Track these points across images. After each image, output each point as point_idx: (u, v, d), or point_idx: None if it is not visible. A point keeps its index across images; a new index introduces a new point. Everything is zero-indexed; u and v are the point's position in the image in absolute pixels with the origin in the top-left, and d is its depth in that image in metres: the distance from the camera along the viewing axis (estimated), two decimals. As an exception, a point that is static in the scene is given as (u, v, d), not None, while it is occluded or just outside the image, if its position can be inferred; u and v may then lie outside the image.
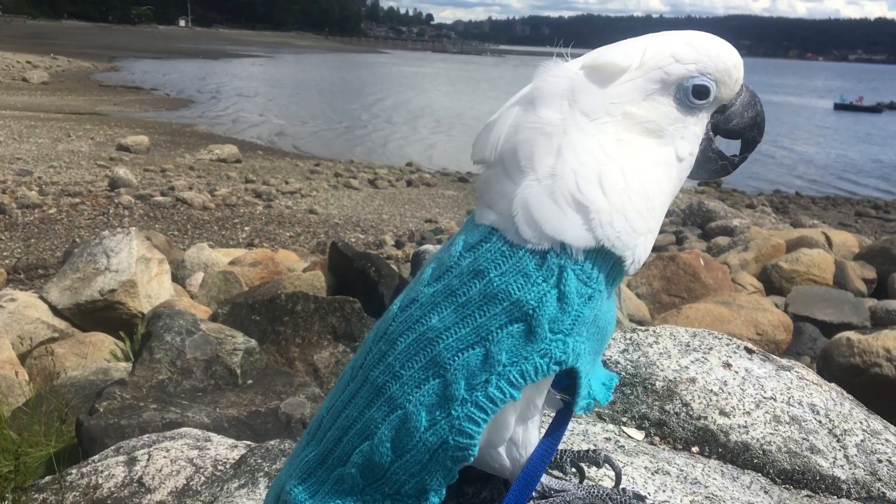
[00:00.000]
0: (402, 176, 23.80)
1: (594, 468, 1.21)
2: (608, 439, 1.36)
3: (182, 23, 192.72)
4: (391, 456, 0.98)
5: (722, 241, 15.85)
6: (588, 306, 0.99)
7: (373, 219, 18.18)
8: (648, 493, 1.17)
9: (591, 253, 1.00)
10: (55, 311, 7.69)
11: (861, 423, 1.48)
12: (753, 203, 23.15)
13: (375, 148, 31.30)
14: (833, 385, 1.62)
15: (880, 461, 1.40)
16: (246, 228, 16.13)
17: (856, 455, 1.40)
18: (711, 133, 1.09)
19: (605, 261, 1.01)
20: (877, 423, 1.50)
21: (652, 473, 1.24)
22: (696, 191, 23.36)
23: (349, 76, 77.26)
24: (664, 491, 1.19)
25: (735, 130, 1.10)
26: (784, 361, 1.63)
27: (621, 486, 1.13)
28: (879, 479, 1.37)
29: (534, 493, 1.09)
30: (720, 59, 1.04)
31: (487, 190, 1.06)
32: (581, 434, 1.36)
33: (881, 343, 7.39)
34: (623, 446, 1.34)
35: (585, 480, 1.20)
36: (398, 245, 15.76)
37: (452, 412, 0.95)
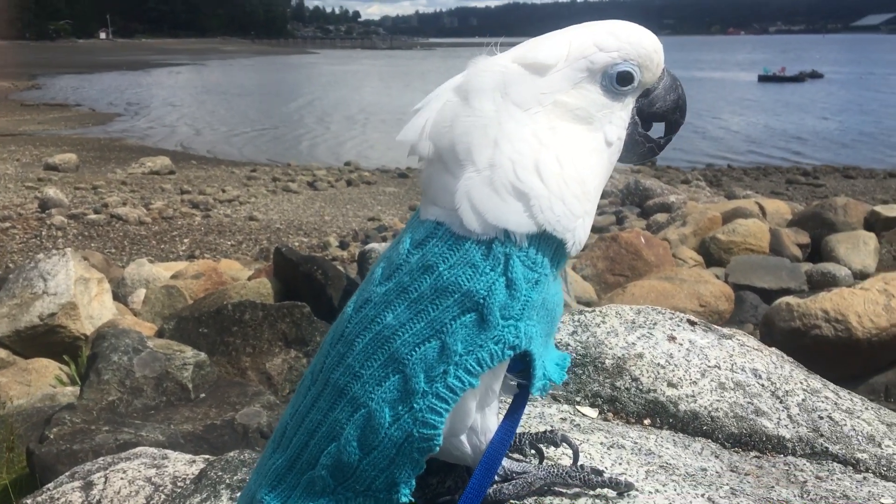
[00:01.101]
0: (341, 176, 23.68)
1: (552, 448, 1.25)
2: (564, 419, 1.40)
3: (103, 35, 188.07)
4: (359, 454, 1.00)
5: (660, 217, 16.17)
6: (536, 290, 1.02)
7: (315, 221, 18.06)
8: (605, 467, 1.21)
9: (535, 238, 1.03)
10: (-6, 339, 7.48)
11: (801, 383, 1.55)
12: (688, 178, 23.65)
13: (312, 150, 31.08)
14: (773, 349, 1.69)
15: (821, 418, 1.46)
16: (185, 240, 15.88)
17: (798, 414, 1.47)
18: (637, 117, 1.13)
19: (548, 245, 1.04)
20: (816, 381, 1.57)
21: (608, 448, 1.28)
22: (633, 170, 23.74)
23: (279, 79, 76.47)
24: (620, 464, 1.23)
25: (659, 113, 1.14)
26: (725, 330, 1.70)
27: (579, 463, 1.17)
28: (822, 435, 1.43)
29: (496, 477, 1.12)
30: (641, 45, 1.09)
31: (430, 186, 1.09)
32: (538, 416, 1.40)
33: (819, 305, 7.63)
34: (578, 425, 1.38)
35: (545, 461, 1.23)
36: (343, 246, 15.69)
37: (414, 405, 0.98)
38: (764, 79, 67.85)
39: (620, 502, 1.13)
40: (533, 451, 1.24)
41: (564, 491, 1.16)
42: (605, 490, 1.15)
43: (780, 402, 1.48)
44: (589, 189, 1.06)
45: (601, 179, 1.10)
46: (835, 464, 1.36)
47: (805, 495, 1.21)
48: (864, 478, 1.31)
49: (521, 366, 1.05)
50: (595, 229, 16.79)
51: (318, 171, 24.48)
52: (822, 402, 1.49)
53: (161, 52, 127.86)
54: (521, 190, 1.01)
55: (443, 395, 0.98)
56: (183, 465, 3.29)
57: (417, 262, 1.03)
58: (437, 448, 1.00)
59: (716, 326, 1.69)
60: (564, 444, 1.21)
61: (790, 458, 1.37)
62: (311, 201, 20.34)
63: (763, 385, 1.51)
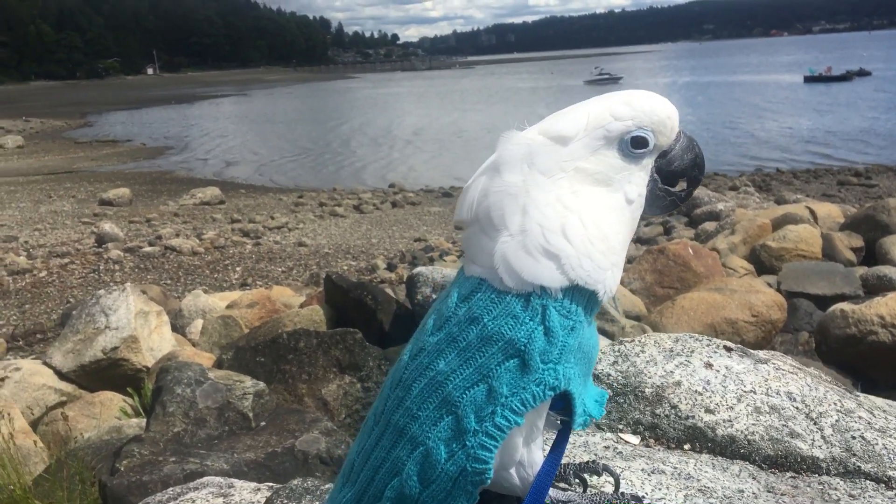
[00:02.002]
0: (386, 198, 23.95)
1: (595, 477, 1.34)
2: (607, 447, 1.48)
3: (150, 71, 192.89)
4: (419, 487, 1.12)
5: (709, 226, 16.01)
6: (571, 336, 1.13)
7: (362, 244, 18.29)
8: (646, 493, 1.29)
9: (568, 290, 1.14)
10: (60, 374, 7.75)
11: (835, 404, 1.61)
12: (736, 185, 23.36)
13: (356, 173, 31.48)
14: (810, 370, 1.75)
15: (854, 438, 1.52)
16: (237, 269, 16.20)
17: (831, 435, 1.53)
18: (657, 175, 1.23)
19: (581, 295, 1.15)
20: (850, 402, 1.63)
21: (648, 474, 1.36)
22: (679, 179, 23.55)
23: (322, 104, 77.55)
24: (660, 489, 1.31)
25: (677, 171, 1.25)
26: (761, 354, 1.76)
27: (621, 490, 1.26)
28: (854, 455, 1.49)
29: None
30: (654, 113, 1.20)
31: (470, 246, 1.21)
32: (582, 445, 1.48)
33: (874, 311, 7.53)
34: (621, 452, 1.46)
35: (588, 489, 1.32)
36: (390, 268, 15.85)
37: (467, 443, 1.10)
38: (810, 79, 66.75)
39: None
40: (577, 481, 1.34)
41: None
42: None
43: (815, 423, 1.54)
44: (613, 244, 1.17)
45: (625, 234, 1.20)
46: (867, 482, 1.41)
47: (838, 514, 1.27)
48: (897, 495, 1.36)
49: (563, 404, 1.16)
50: (643, 241, 16.74)
51: (363, 194, 24.81)
52: (856, 422, 1.55)
53: (206, 84, 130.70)
54: (551, 252, 1.13)
55: (492, 433, 1.09)
56: (248, 493, 3.42)
57: (465, 315, 1.15)
58: (489, 481, 1.10)
59: (752, 351, 1.75)
60: (606, 472, 1.31)
61: (824, 478, 1.43)
62: (358, 224, 20.61)
63: (797, 408, 1.57)
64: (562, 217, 1.14)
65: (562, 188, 1.16)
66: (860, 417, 1.57)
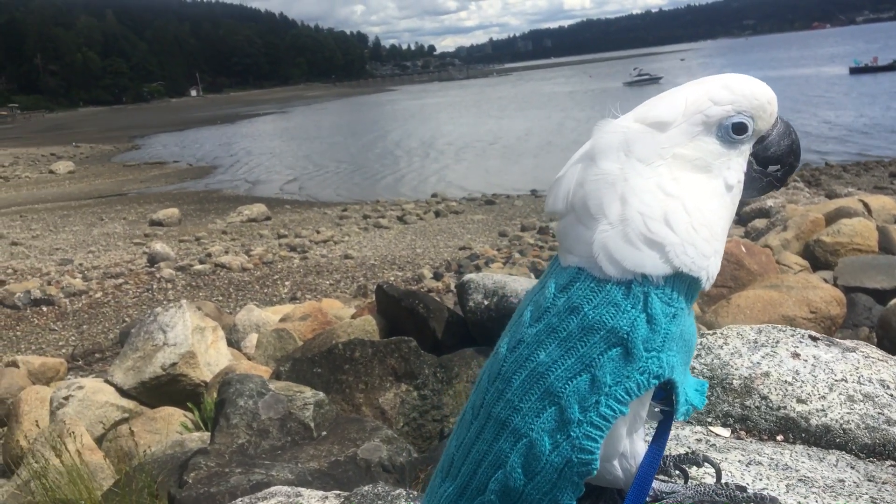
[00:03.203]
0: (429, 208, 24.03)
1: (695, 468, 1.32)
2: (699, 440, 1.46)
3: (193, 92, 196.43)
4: (524, 479, 1.11)
5: (759, 223, 15.77)
6: (674, 323, 1.12)
7: (408, 254, 18.36)
8: (748, 483, 1.27)
9: (670, 277, 1.13)
10: (122, 392, 7.90)
11: None
12: (784, 181, 22.92)
13: (399, 184, 31.65)
14: (889, 355, 1.70)
15: None
16: (286, 283, 16.38)
17: None
18: (753, 160, 1.22)
19: (683, 282, 1.14)
20: (945, 388, 1.58)
21: (746, 465, 1.34)
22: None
23: (361, 118, 78.21)
24: (760, 479, 1.29)
25: (774, 157, 1.23)
26: (848, 343, 1.72)
27: (723, 481, 1.24)
28: None
29: (647, 498, 1.20)
30: (754, 97, 1.17)
31: (566, 237, 1.19)
32: (673, 438, 1.47)
33: (937, 303, 7.33)
34: (714, 444, 1.44)
35: (690, 480, 1.30)
36: (437, 277, 15.88)
37: (571, 433, 1.09)
38: (856, 71, 65.39)
39: None
40: (677, 472, 1.32)
41: None
42: None
43: None
44: (716, 231, 1.15)
45: (726, 220, 1.18)
46: None
47: (946, 501, 1.23)
48: None
49: (664, 393, 1.14)
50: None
51: (406, 205, 24.92)
52: (954, 408, 1.51)
53: (248, 103, 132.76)
54: (654, 240, 1.11)
55: (597, 423, 1.08)
56: (317, 501, 3.44)
57: (564, 305, 1.14)
58: (595, 472, 1.09)
59: (838, 340, 1.71)
60: (707, 463, 1.29)
61: None
62: (402, 235, 20.70)
63: (892, 395, 1.53)
64: (663, 204, 1.13)
65: (661, 175, 1.15)
66: (957, 404, 1.53)
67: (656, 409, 1.18)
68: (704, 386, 1.25)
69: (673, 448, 1.42)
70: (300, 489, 3.70)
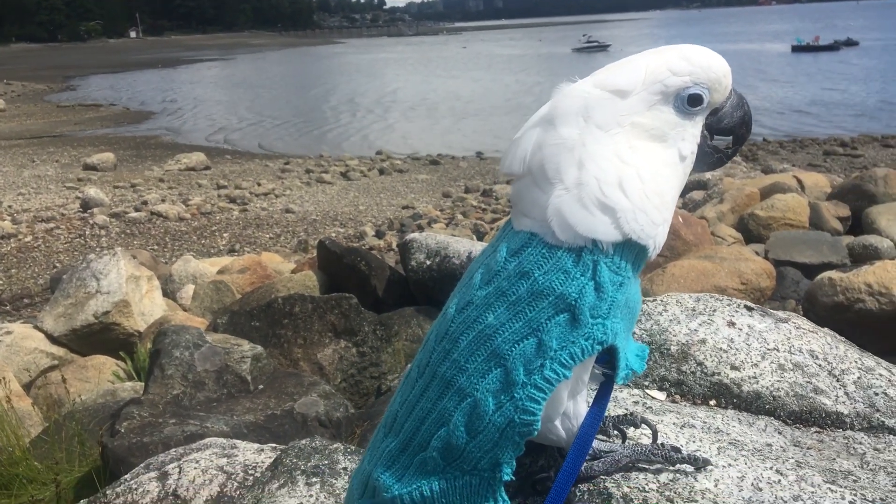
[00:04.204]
0: (373, 165, 23.85)
1: (633, 429, 1.36)
2: (636, 403, 1.51)
3: (133, 34, 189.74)
4: (466, 438, 1.13)
5: (696, 195, 16.07)
6: (620, 292, 1.14)
7: (350, 211, 18.25)
8: (682, 445, 1.31)
9: (619, 246, 1.15)
10: (52, 338, 7.73)
11: (856, 362, 1.64)
12: (723, 154, 23.38)
13: (343, 140, 31.30)
14: (827, 330, 1.78)
15: (876, 394, 1.55)
16: (225, 235, 16.15)
17: (854, 391, 1.56)
18: (706, 132, 1.24)
19: (631, 250, 1.16)
20: (869, 360, 1.66)
21: (680, 427, 1.38)
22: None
23: (307, 70, 76.84)
24: (693, 442, 1.34)
25: (726, 129, 1.25)
26: (781, 314, 1.79)
27: (659, 442, 1.28)
28: (878, 410, 1.52)
29: (587, 456, 1.24)
30: (711, 70, 1.20)
31: (520, 200, 1.21)
32: (612, 400, 1.50)
33: (862, 279, 7.61)
34: (651, 407, 1.48)
35: (627, 440, 1.35)
36: (379, 235, 15.85)
37: (515, 395, 1.11)
38: (798, 49, 66.68)
39: (698, 476, 1.24)
40: (616, 433, 1.36)
41: (648, 467, 1.27)
42: (685, 465, 1.26)
43: (837, 380, 1.57)
44: (667, 200, 1.18)
45: (677, 190, 1.21)
46: (891, 437, 1.45)
47: (864, 465, 1.30)
48: (920, 448, 1.40)
49: (607, 357, 1.17)
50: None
51: (350, 161, 24.68)
52: (877, 379, 1.58)
53: (190, 48, 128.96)
54: (607, 205, 1.13)
55: (540, 386, 1.10)
56: (252, 453, 3.44)
57: (515, 269, 1.16)
58: (536, 432, 1.12)
59: (772, 311, 1.78)
60: (644, 425, 1.33)
61: (849, 433, 1.46)
62: (345, 191, 20.54)
63: (820, 365, 1.60)
64: (619, 170, 1.15)
65: (619, 143, 1.16)
66: (881, 375, 1.60)
67: (598, 372, 1.21)
68: (645, 351, 1.29)
69: (612, 410, 1.46)
70: (235, 441, 3.70)
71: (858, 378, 1.58)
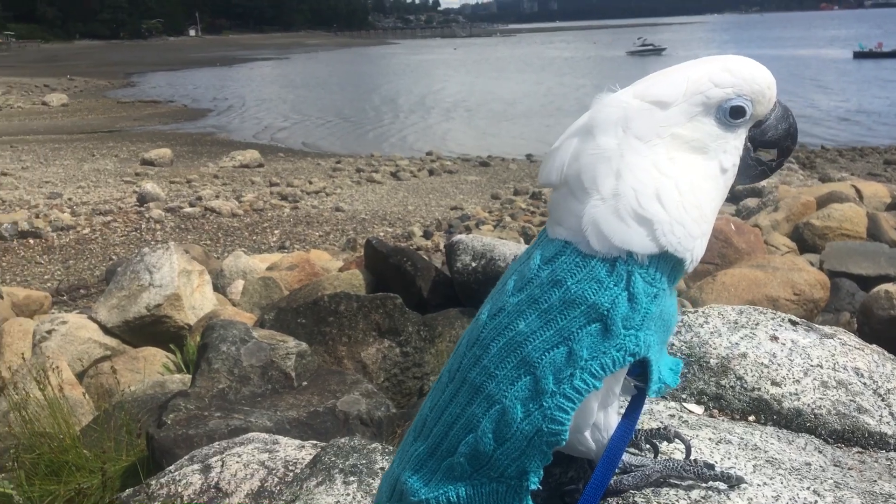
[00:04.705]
0: (423, 166, 23.91)
1: (666, 443, 1.34)
2: (672, 416, 1.48)
3: (192, 32, 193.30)
4: (494, 445, 1.13)
5: (751, 202, 15.80)
6: (654, 304, 1.13)
7: (399, 211, 18.32)
8: (716, 461, 1.29)
9: (654, 258, 1.14)
10: (105, 329, 7.93)
11: None
12: (779, 162, 22.85)
13: (394, 140, 31.45)
14: (875, 347, 1.73)
15: None
16: (276, 232, 16.35)
17: None
18: (749, 144, 1.22)
19: (667, 262, 1.15)
20: (918, 380, 1.61)
21: (716, 443, 1.36)
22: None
23: (360, 70, 77.38)
24: (728, 458, 1.31)
25: (771, 141, 1.23)
26: (827, 329, 1.74)
27: (692, 458, 1.26)
28: None
29: (616, 469, 1.22)
30: (755, 82, 1.18)
31: (556, 209, 1.20)
32: (647, 413, 1.49)
33: (920, 293, 7.40)
34: (686, 421, 1.46)
35: (660, 455, 1.33)
36: (426, 235, 15.88)
37: (544, 403, 1.10)
38: (860, 55, 64.99)
39: (731, 494, 1.21)
40: (648, 447, 1.35)
41: (679, 483, 1.25)
42: (717, 483, 1.24)
43: (882, 399, 1.53)
44: (706, 212, 1.17)
45: (717, 203, 1.20)
46: None
47: (907, 489, 1.27)
48: (966, 473, 1.36)
49: (639, 370, 1.16)
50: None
51: (400, 161, 24.77)
52: (925, 400, 1.54)
53: (247, 47, 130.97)
54: (644, 216, 1.12)
55: (569, 395, 1.10)
56: (293, 449, 3.48)
57: (548, 277, 1.15)
58: (564, 442, 1.11)
59: (818, 326, 1.74)
60: (677, 439, 1.31)
61: (892, 454, 1.42)
62: (395, 191, 20.62)
63: (865, 383, 1.56)
64: (656, 182, 1.14)
65: (658, 154, 1.15)
66: (929, 395, 1.56)
67: (631, 385, 1.20)
68: (679, 365, 1.27)
69: (646, 423, 1.44)
70: (277, 437, 3.75)
71: (905, 398, 1.54)
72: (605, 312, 1.10)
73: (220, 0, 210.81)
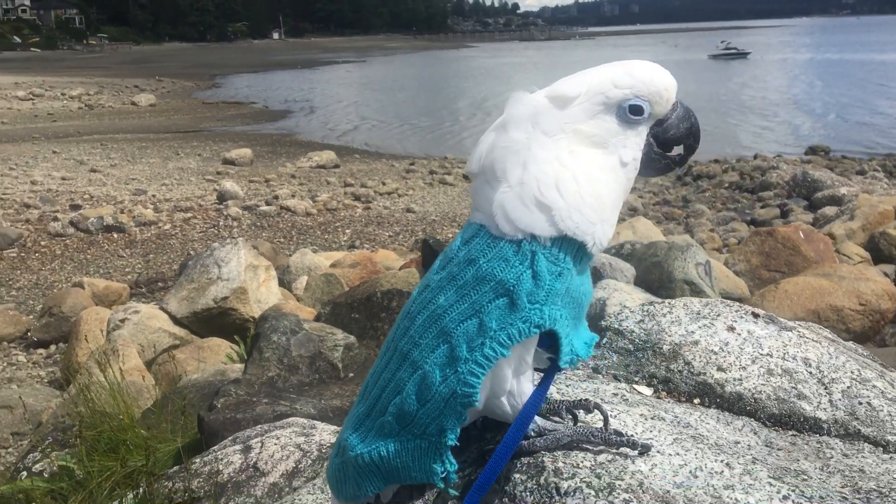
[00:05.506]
0: (495, 168, 23.96)
1: (586, 414, 1.45)
2: (615, 395, 1.58)
3: (276, 35, 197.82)
4: (416, 405, 1.27)
5: (829, 211, 15.39)
6: (559, 281, 1.25)
7: (468, 213, 18.42)
8: (636, 433, 1.39)
9: (557, 240, 1.27)
10: (175, 320, 8.31)
11: (852, 372, 1.64)
12: (864, 169, 22.08)
13: (469, 142, 31.54)
14: (848, 344, 1.78)
15: (860, 403, 1.56)
16: (347, 231, 16.69)
17: (840, 399, 1.58)
18: (652, 140, 1.33)
19: (571, 245, 1.27)
20: (871, 372, 1.65)
21: (647, 419, 1.45)
22: (802, 160, 22.61)
23: (437, 73, 77.94)
24: (651, 431, 1.40)
25: (673, 139, 1.35)
26: (790, 323, 1.80)
27: (609, 427, 1.36)
28: (857, 419, 1.53)
29: (531, 433, 1.36)
30: (652, 84, 1.30)
31: (475, 195, 1.36)
32: (593, 391, 1.59)
33: None
34: (627, 399, 1.55)
35: (578, 423, 1.44)
36: (493, 237, 15.93)
37: (458, 369, 1.24)
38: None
39: (636, 460, 1.32)
40: (569, 416, 1.46)
41: (590, 448, 1.36)
42: (626, 449, 1.34)
43: (825, 388, 1.59)
44: (605, 201, 1.29)
45: (617, 193, 1.32)
46: (865, 444, 1.46)
47: (825, 468, 1.33)
48: (892, 457, 1.41)
49: (550, 342, 1.28)
50: (757, 223, 16.18)
51: (473, 163, 24.86)
52: (868, 390, 1.58)
53: (328, 49, 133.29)
54: (544, 203, 1.26)
55: (480, 362, 1.23)
56: (328, 434, 3.66)
57: (464, 256, 1.30)
58: (476, 404, 1.24)
59: (781, 319, 1.80)
60: (597, 410, 1.43)
61: (824, 438, 1.48)
62: (466, 193, 20.60)
63: (811, 372, 1.62)
64: (557, 173, 1.26)
65: (560, 147, 1.28)
66: (874, 386, 1.61)
67: (545, 356, 1.31)
68: (594, 339, 1.38)
69: (577, 396, 1.55)
70: (315, 422, 3.93)
71: (848, 387, 1.58)
72: (511, 288, 1.23)
73: (303, 4, 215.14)
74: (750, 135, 30.38)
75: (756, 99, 41.99)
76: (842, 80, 52.22)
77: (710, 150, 24.04)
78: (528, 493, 1.29)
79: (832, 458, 1.39)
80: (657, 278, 7.57)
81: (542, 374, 1.34)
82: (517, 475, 1.33)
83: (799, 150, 26.04)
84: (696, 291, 7.16)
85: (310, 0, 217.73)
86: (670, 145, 1.34)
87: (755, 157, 23.37)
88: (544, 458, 1.33)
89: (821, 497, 1.20)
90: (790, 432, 1.50)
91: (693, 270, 7.55)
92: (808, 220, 15.37)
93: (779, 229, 10.89)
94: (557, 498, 1.25)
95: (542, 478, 1.30)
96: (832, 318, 8.23)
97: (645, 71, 1.30)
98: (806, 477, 1.28)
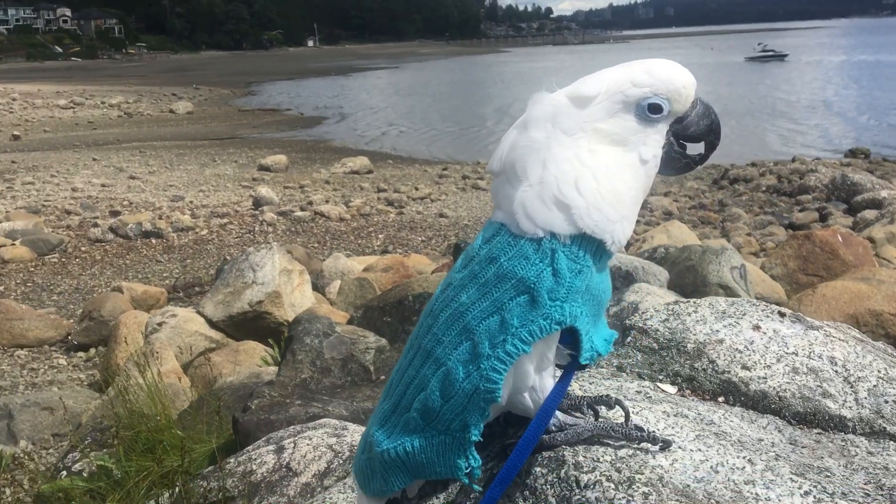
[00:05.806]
0: (528, 173, 23.93)
1: (607, 410, 1.46)
2: (639, 392, 1.59)
3: (310, 43, 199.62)
4: (440, 402, 1.30)
5: (869, 214, 15.14)
6: (579, 278, 1.27)
7: (495, 215, 18.41)
8: (658, 430, 1.39)
9: (577, 238, 1.28)
10: (211, 323, 8.43)
11: (879, 371, 1.63)
12: (906, 172, 21.70)
13: (501, 147, 31.52)
14: (878, 344, 1.76)
15: (886, 402, 1.55)
16: (380, 236, 16.78)
17: (865, 398, 1.57)
18: (673, 138, 1.34)
19: (590, 243, 1.29)
20: (898, 371, 1.65)
21: (669, 416, 1.46)
22: (842, 163, 22.27)
23: (471, 78, 78.04)
24: (673, 428, 1.41)
25: (693, 136, 1.36)
26: (816, 322, 1.79)
27: (630, 422, 1.37)
28: (882, 416, 1.52)
29: (553, 427, 1.38)
30: (671, 82, 1.31)
31: (496, 194, 1.38)
32: (615, 389, 1.60)
33: None
34: (650, 396, 1.56)
35: (599, 418, 1.45)
36: (526, 242, 15.90)
37: (481, 365, 1.26)
38: None
39: (657, 455, 1.32)
40: (590, 411, 1.47)
41: (611, 443, 1.37)
42: (646, 444, 1.35)
43: (851, 386, 1.58)
44: (624, 199, 1.30)
45: (637, 190, 1.33)
46: (890, 442, 1.45)
47: (848, 465, 1.33)
48: (917, 455, 1.40)
49: (570, 339, 1.30)
50: (795, 226, 15.96)
51: (506, 168, 24.85)
52: (894, 388, 1.57)
53: (363, 56, 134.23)
54: (563, 202, 1.27)
55: (502, 358, 1.25)
56: (360, 435, 3.69)
57: (485, 255, 1.32)
58: (499, 400, 1.27)
59: (808, 318, 1.79)
60: (618, 406, 1.44)
61: (849, 436, 1.48)
62: (496, 197, 20.73)
63: (836, 371, 1.62)
64: (576, 171, 1.28)
65: (580, 146, 1.29)
66: (902, 385, 1.60)
67: (566, 352, 1.33)
68: (613, 336, 1.39)
69: (599, 392, 1.56)
70: (347, 423, 3.97)
71: (875, 386, 1.58)
72: (532, 285, 1.25)
73: (337, 11, 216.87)
74: (787, 138, 29.98)
75: (794, 101, 41.44)
76: (882, 81, 51.32)
77: (747, 154, 23.79)
78: (548, 487, 1.31)
79: (856, 455, 1.39)
80: (691, 282, 7.50)
81: (563, 370, 1.35)
82: (538, 469, 1.36)
83: (838, 153, 25.63)
84: (731, 295, 7.08)
85: (345, 8, 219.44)
86: (690, 142, 1.35)
87: (793, 160, 23.05)
88: (565, 452, 1.34)
89: (843, 493, 1.20)
90: (815, 430, 1.50)
91: (728, 274, 7.48)
92: (847, 223, 15.12)
93: (816, 233, 10.73)
94: (577, 491, 1.27)
95: (563, 471, 1.32)
96: (871, 323, 8.09)
97: (663, 69, 1.31)
98: (829, 474, 1.28)
